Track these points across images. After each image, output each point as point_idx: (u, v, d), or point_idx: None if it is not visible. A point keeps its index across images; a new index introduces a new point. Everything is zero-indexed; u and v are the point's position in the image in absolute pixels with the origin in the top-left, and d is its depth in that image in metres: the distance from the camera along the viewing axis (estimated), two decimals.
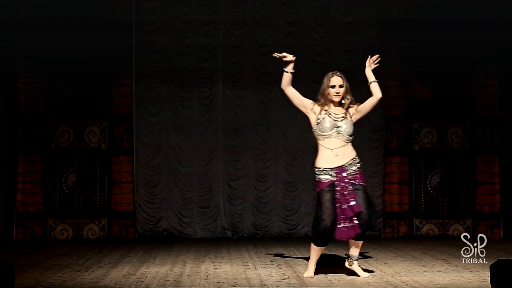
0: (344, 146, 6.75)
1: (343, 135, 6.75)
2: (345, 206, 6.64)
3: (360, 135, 10.69)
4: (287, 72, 6.99)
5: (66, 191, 10.51)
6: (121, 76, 10.59)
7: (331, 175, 6.70)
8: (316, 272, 7.01)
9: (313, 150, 10.71)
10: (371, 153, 10.80)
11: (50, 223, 10.46)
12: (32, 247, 9.53)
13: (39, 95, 10.50)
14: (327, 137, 6.76)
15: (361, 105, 6.90)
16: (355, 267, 6.86)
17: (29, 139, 10.45)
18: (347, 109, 6.87)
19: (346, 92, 6.87)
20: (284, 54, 6.96)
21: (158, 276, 6.85)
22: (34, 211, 10.42)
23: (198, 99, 10.71)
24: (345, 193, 6.67)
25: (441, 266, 7.57)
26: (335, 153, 6.73)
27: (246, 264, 7.74)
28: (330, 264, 7.67)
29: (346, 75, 10.66)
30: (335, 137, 6.75)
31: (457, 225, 10.83)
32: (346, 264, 6.90)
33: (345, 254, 6.97)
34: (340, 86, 6.85)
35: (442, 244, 9.76)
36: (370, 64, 6.95)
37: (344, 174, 6.69)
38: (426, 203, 10.86)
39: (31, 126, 10.46)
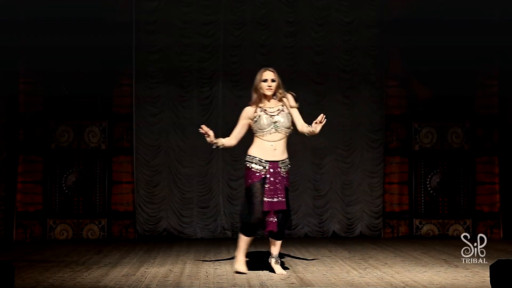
0: (283, 140, 6.98)
1: (282, 128, 6.97)
2: (271, 199, 6.83)
3: (360, 135, 10.81)
4: (219, 146, 7.15)
5: (66, 191, 10.51)
6: (121, 76, 10.60)
7: (264, 167, 6.90)
8: (316, 272, 7.02)
9: (313, 150, 10.78)
10: (371, 153, 10.81)
11: (50, 223, 10.46)
12: (32, 247, 9.53)
13: (39, 95, 10.50)
14: (266, 133, 6.96)
15: (295, 112, 7.07)
16: (273, 264, 7.00)
17: (29, 139, 10.45)
18: (281, 101, 7.03)
19: (278, 87, 7.03)
20: (208, 134, 7.03)
21: (158, 276, 6.85)
22: (34, 211, 10.42)
23: (198, 99, 10.71)
24: (277, 186, 6.86)
25: (441, 266, 7.57)
26: (274, 146, 6.95)
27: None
28: (330, 264, 7.68)
29: (346, 75, 10.86)
30: (274, 132, 6.96)
31: (457, 225, 10.83)
32: (270, 261, 7.04)
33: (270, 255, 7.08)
34: (272, 80, 7.02)
35: (442, 244, 9.77)
36: (317, 123, 7.07)
37: (277, 170, 6.90)
38: (426, 203, 10.86)
39: (31, 126, 10.46)
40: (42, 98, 10.51)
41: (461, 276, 6.80)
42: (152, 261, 7.99)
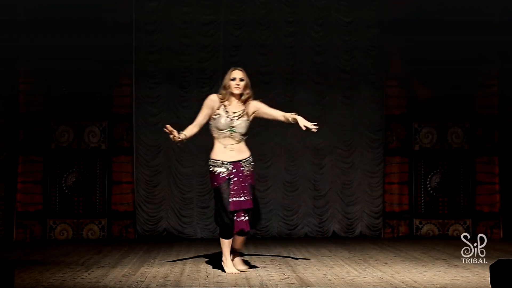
0: (237, 144, 7.02)
1: (236, 134, 7.01)
2: (238, 199, 6.91)
3: (360, 135, 10.81)
4: (183, 140, 7.11)
5: (66, 191, 10.51)
6: (121, 76, 10.59)
7: (227, 168, 6.96)
8: (316, 272, 7.02)
9: (313, 150, 10.78)
10: (371, 153, 10.81)
11: (50, 223, 10.46)
12: (32, 247, 9.53)
13: (39, 95, 10.50)
14: (221, 135, 7.02)
15: (265, 108, 7.12)
16: (236, 261, 7.14)
17: (29, 139, 10.45)
18: (245, 104, 7.08)
19: (246, 87, 7.08)
20: (173, 133, 7.02)
21: (158, 276, 6.85)
22: (34, 211, 10.42)
23: (198, 99, 10.67)
24: (242, 184, 6.93)
25: (441, 266, 7.57)
26: (229, 148, 7.01)
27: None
28: (330, 264, 7.68)
29: (346, 75, 10.85)
30: (228, 136, 7.01)
31: (457, 225, 10.83)
32: (234, 260, 7.15)
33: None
34: (241, 80, 7.08)
35: (442, 244, 9.77)
36: (306, 126, 7.16)
37: (241, 169, 6.97)
38: (426, 203, 10.86)
39: (31, 126, 10.46)
40: (42, 98, 10.51)
41: (461, 276, 6.80)
42: (152, 261, 7.99)
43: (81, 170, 10.55)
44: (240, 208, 6.93)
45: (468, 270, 7.15)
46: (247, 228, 6.99)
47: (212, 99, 7.14)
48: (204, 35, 10.70)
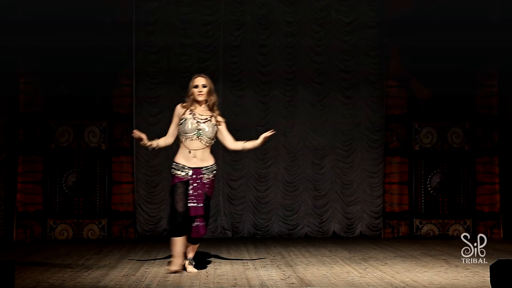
0: (203, 149, 7.03)
1: (204, 138, 7.01)
2: (194, 205, 6.93)
3: (360, 135, 10.81)
4: (154, 146, 7.22)
5: (66, 191, 10.51)
6: (121, 76, 10.60)
7: (187, 173, 6.98)
8: (316, 272, 7.01)
9: (313, 150, 10.79)
10: (371, 153, 10.82)
11: (50, 223, 10.46)
12: (32, 247, 9.53)
13: (39, 95, 10.50)
14: (188, 138, 7.01)
15: (224, 128, 7.17)
16: (187, 265, 7.12)
17: (29, 139, 10.45)
18: (212, 111, 7.10)
19: (209, 93, 7.12)
20: (141, 137, 7.15)
21: (158, 276, 6.85)
22: (34, 211, 10.42)
23: None
24: (198, 192, 6.95)
25: (441, 266, 7.57)
26: (193, 154, 7.00)
27: (246, 264, 7.74)
28: (330, 264, 7.68)
29: (346, 75, 10.85)
30: (195, 139, 7.01)
31: (457, 225, 10.83)
32: (185, 263, 7.14)
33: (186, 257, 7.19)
34: (203, 86, 7.10)
35: (442, 244, 9.77)
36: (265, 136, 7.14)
37: (200, 176, 6.98)
38: (426, 203, 10.86)
39: (31, 126, 10.46)
40: (42, 98, 10.51)
41: (461, 276, 6.80)
42: (152, 261, 7.99)
43: (81, 170, 10.55)
44: (197, 214, 6.95)
45: (468, 270, 7.15)
46: (203, 232, 7.03)
47: (178, 108, 7.18)
48: (204, 35, 10.70)
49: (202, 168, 7.02)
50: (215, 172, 7.13)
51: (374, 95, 10.85)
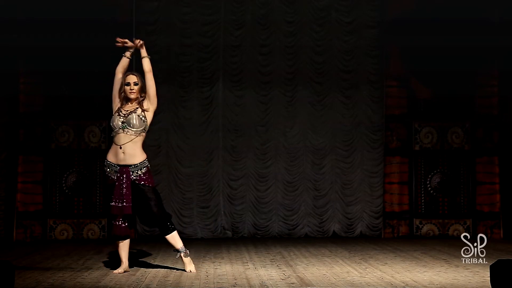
0: (132, 142, 6.91)
1: (130, 129, 6.92)
2: (120, 204, 6.86)
3: (360, 135, 10.82)
4: (124, 56, 7.30)
5: (66, 191, 10.51)
6: None
7: (115, 171, 6.91)
8: (316, 272, 7.01)
9: (313, 150, 10.79)
10: (371, 153, 10.82)
11: (50, 223, 10.46)
12: (32, 247, 9.53)
13: (39, 95, 10.50)
14: (116, 133, 6.94)
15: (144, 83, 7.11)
16: (182, 258, 7.12)
17: (29, 139, 10.45)
18: (140, 104, 7.04)
19: (141, 90, 7.07)
20: (125, 40, 7.28)
21: (158, 276, 6.85)
22: (34, 211, 10.42)
23: (198, 99, 10.71)
24: (122, 192, 6.85)
25: (441, 266, 7.57)
26: (122, 150, 6.91)
27: (246, 264, 7.74)
28: (330, 264, 7.68)
29: (346, 75, 10.85)
30: (121, 133, 6.92)
31: (457, 225, 10.83)
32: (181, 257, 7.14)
33: (174, 250, 7.16)
34: (135, 84, 7.08)
35: (442, 244, 9.77)
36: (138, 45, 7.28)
37: (126, 175, 6.87)
38: (426, 203, 10.86)
39: (31, 126, 10.46)
40: (42, 98, 10.51)
41: (461, 276, 6.80)
42: (152, 261, 7.99)
43: (81, 170, 10.55)
44: (121, 213, 6.88)
45: (468, 270, 7.15)
46: (123, 233, 6.95)
47: (116, 98, 7.10)
48: (204, 35, 10.70)
49: (130, 166, 6.89)
50: (145, 168, 6.93)
51: (374, 95, 10.85)
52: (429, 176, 10.88)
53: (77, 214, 10.51)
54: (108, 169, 6.97)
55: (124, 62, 7.29)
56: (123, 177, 6.89)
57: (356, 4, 10.82)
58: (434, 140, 10.91)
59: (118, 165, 6.91)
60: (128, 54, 7.31)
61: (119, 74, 7.21)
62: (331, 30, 10.83)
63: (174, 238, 7.08)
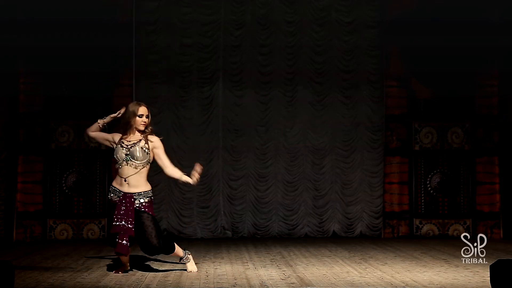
0: (136, 174, 6.91)
1: (133, 162, 6.90)
2: (119, 223, 6.83)
3: (360, 135, 10.82)
4: (98, 123, 7.16)
5: (66, 191, 10.51)
6: (121, 76, 10.59)
7: (118, 196, 6.91)
8: (316, 272, 7.01)
9: (313, 150, 10.79)
10: (371, 153, 10.82)
11: (50, 223, 10.46)
12: (32, 247, 9.53)
13: (39, 95, 10.50)
14: (120, 166, 6.93)
15: (161, 150, 7.03)
16: (187, 266, 7.15)
17: (29, 139, 10.45)
18: (146, 137, 6.99)
19: (150, 123, 7.04)
20: (120, 110, 7.14)
21: (158, 276, 6.86)
22: (34, 211, 10.42)
23: (198, 99, 10.71)
24: (126, 211, 6.83)
25: (441, 266, 7.57)
26: (127, 182, 6.90)
27: (246, 264, 7.74)
28: (330, 264, 7.68)
29: (346, 75, 10.86)
30: (125, 165, 6.91)
31: (457, 225, 10.83)
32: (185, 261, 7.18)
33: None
34: (147, 117, 7.01)
35: (442, 244, 9.77)
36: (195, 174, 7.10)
37: (132, 200, 6.85)
38: (426, 203, 10.86)
39: (31, 126, 10.46)
40: (42, 98, 10.51)
41: (461, 276, 6.80)
42: (152, 261, 7.99)
43: (81, 170, 10.55)
44: (121, 232, 6.83)
45: (468, 270, 7.15)
46: (123, 252, 6.89)
47: (114, 134, 7.07)
48: (204, 35, 10.70)
49: (134, 194, 6.88)
50: (148, 198, 6.93)
51: (374, 95, 10.85)
52: (429, 176, 10.88)
53: (77, 214, 10.51)
54: (112, 194, 6.98)
55: (96, 126, 7.16)
56: (126, 201, 6.87)
57: (356, 4, 10.82)
58: (434, 140, 10.91)
59: (121, 191, 6.90)
60: (102, 122, 7.16)
61: (90, 133, 7.16)
62: (331, 30, 10.83)
63: (176, 253, 7.10)
